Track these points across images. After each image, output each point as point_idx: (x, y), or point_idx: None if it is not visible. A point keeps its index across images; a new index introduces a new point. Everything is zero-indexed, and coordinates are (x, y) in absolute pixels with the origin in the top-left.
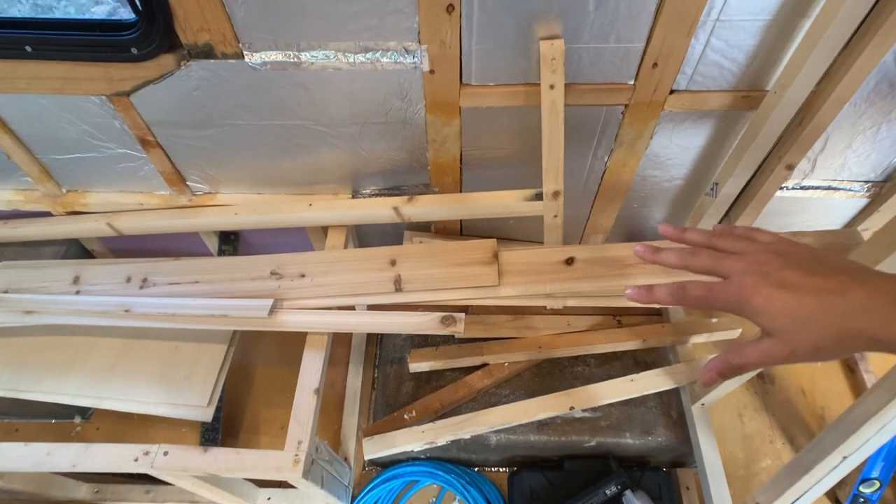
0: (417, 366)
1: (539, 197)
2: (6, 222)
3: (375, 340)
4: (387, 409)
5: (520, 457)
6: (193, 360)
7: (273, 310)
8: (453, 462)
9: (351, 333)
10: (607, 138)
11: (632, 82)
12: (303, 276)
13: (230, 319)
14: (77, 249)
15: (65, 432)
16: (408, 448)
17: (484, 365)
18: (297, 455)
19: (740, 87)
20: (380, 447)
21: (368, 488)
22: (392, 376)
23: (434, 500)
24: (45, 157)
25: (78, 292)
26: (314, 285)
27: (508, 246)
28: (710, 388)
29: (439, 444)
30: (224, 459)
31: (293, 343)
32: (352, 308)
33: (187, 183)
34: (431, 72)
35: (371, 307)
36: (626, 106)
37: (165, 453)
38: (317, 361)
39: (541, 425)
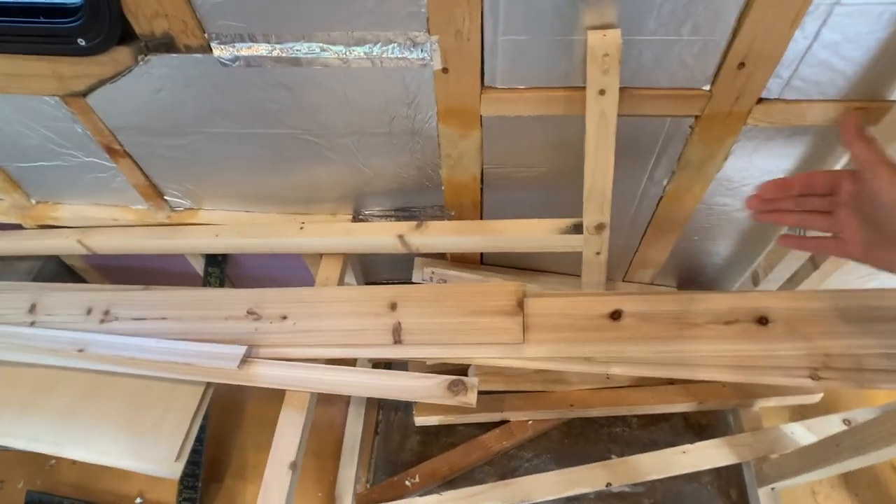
0: (425, 419)
1: (578, 229)
2: None
3: None
4: (388, 466)
5: None
6: (165, 403)
7: (246, 359)
8: None
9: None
10: (668, 158)
11: (707, 87)
12: (284, 317)
13: (195, 368)
14: (55, 265)
15: (39, 464)
16: None
17: (503, 422)
18: None
19: (853, 95)
20: None
21: None
22: (396, 427)
23: None
24: (7, 164)
25: (33, 323)
26: (296, 331)
27: (538, 281)
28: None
29: None
30: None
31: None
32: (345, 359)
33: (165, 197)
34: (444, 70)
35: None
36: (696, 118)
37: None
38: (295, 426)
39: (570, 500)
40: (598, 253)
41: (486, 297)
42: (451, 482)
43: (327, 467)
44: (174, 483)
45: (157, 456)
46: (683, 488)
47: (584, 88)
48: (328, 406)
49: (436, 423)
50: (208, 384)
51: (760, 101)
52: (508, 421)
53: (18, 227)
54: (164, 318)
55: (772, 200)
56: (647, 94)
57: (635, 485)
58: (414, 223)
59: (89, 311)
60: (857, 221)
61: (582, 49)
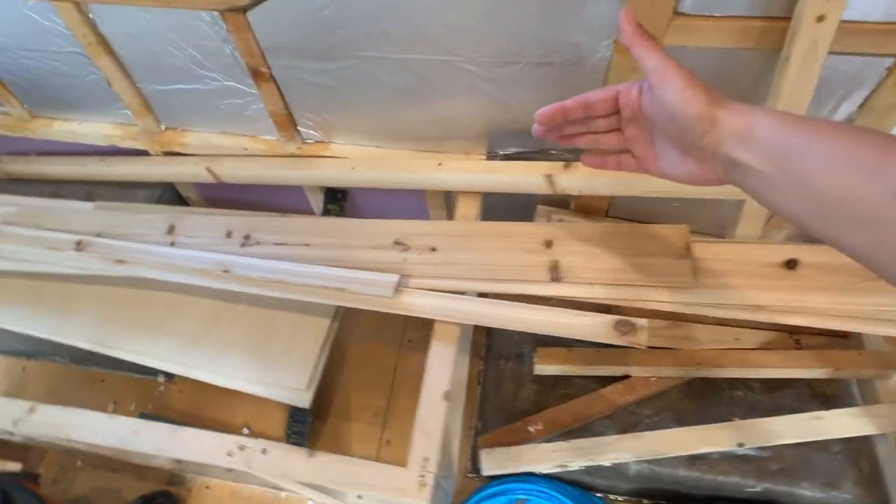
0: (544, 368)
1: None
2: (102, 159)
3: (484, 330)
4: (500, 414)
5: (657, 490)
6: (292, 334)
7: (398, 288)
8: (572, 484)
9: None
10: (850, 102)
11: None
12: (433, 249)
13: (347, 295)
14: (171, 195)
15: (148, 390)
16: (534, 468)
17: (623, 377)
18: (422, 476)
19: None
20: (501, 463)
21: (471, 502)
22: (508, 376)
23: None
24: (147, 86)
25: (173, 244)
26: (447, 262)
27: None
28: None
29: (571, 469)
30: (335, 470)
31: (389, 320)
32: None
33: (298, 128)
34: None
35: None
36: None
37: (264, 451)
38: (447, 357)
39: (693, 459)
40: None
41: (652, 238)
42: (570, 432)
43: None
44: (278, 417)
45: (288, 383)
46: (812, 456)
47: (784, 19)
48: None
49: (555, 373)
50: (334, 318)
51: None
52: (629, 376)
53: (143, 153)
54: (307, 245)
55: (558, 127)
56: (856, 28)
57: (762, 448)
58: (562, 163)
59: (229, 235)
60: (646, 136)
61: None
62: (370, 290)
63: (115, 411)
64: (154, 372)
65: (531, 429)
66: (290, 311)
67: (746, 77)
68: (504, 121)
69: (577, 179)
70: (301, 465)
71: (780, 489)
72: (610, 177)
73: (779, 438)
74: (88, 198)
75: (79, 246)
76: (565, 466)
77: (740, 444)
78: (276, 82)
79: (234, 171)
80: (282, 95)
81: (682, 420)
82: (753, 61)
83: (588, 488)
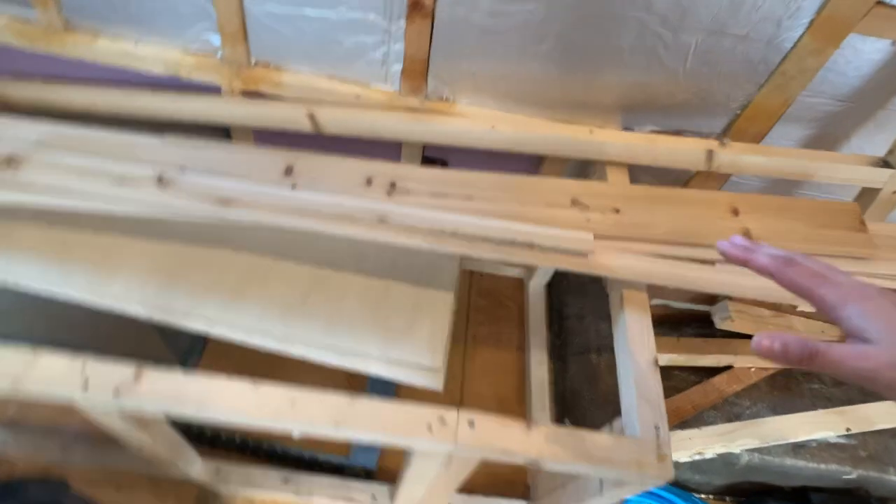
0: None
1: (888, 164)
2: (157, 93)
3: (554, 326)
4: (604, 408)
5: (749, 483)
6: (412, 307)
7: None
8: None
9: (525, 313)
10: None
11: None
12: (617, 211)
13: (535, 253)
14: None
15: None
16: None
17: (726, 368)
18: (660, 448)
19: None
20: None
21: None
22: (606, 369)
23: None
24: (259, 6)
25: (294, 186)
26: (632, 224)
27: None
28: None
29: (707, 458)
30: (559, 443)
31: None
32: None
33: (428, 79)
34: None
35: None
36: None
37: (471, 423)
38: (644, 324)
39: (796, 448)
40: (895, 192)
41: (828, 213)
42: (682, 423)
43: (509, 412)
44: None
45: (419, 361)
46: (889, 443)
47: None
48: (499, 350)
49: (665, 363)
50: (455, 291)
51: None
52: (731, 367)
53: (211, 90)
54: (469, 198)
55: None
56: None
57: (849, 437)
58: (717, 141)
59: (369, 182)
60: None
61: None
62: (567, 245)
63: None
64: (164, 358)
65: None
66: (405, 281)
67: None
68: (660, 94)
69: (733, 157)
70: (519, 439)
71: (871, 475)
72: (760, 157)
73: (876, 423)
74: None
75: (161, 181)
76: (702, 454)
77: (848, 430)
78: (433, 19)
79: (342, 121)
80: (431, 38)
81: (776, 410)
82: None
83: (681, 487)
